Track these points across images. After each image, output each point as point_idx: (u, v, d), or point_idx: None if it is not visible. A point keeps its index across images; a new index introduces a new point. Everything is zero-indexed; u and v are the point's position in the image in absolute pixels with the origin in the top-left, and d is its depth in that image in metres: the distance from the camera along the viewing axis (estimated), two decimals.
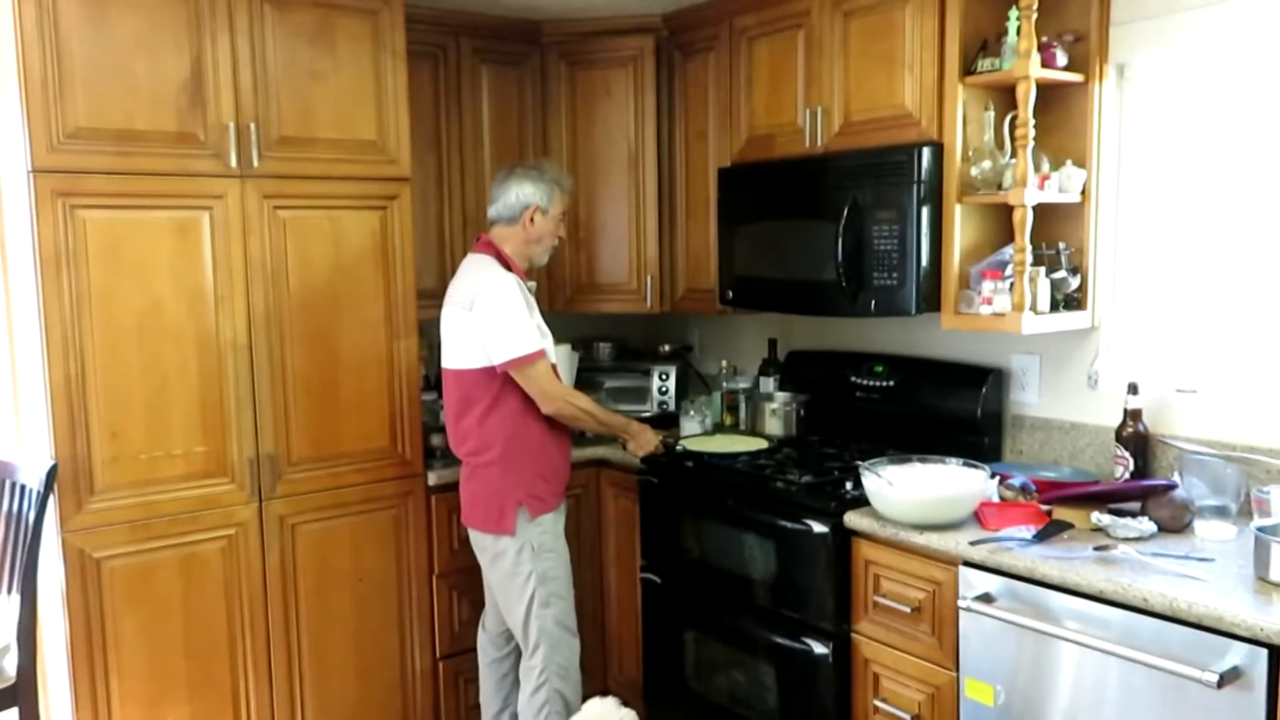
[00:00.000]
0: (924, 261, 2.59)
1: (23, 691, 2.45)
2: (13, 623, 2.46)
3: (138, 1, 2.51)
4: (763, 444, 3.10)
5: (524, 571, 2.73)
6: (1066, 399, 2.75)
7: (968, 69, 2.54)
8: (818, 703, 2.57)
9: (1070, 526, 2.24)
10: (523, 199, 2.76)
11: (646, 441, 2.98)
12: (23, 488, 2.53)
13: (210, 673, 2.74)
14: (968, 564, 2.22)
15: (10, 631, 2.47)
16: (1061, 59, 2.50)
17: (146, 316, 2.58)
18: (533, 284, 2.87)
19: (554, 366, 2.77)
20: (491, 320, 2.63)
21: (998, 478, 2.48)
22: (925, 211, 2.58)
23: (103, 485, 2.55)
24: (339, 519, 2.92)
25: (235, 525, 2.75)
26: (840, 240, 2.71)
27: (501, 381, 2.68)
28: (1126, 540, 2.14)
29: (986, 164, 2.55)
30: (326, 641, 2.92)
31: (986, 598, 2.17)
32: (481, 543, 2.79)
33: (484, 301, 2.64)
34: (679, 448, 3.05)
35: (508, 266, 2.74)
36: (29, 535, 2.44)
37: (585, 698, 2.90)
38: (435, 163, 3.30)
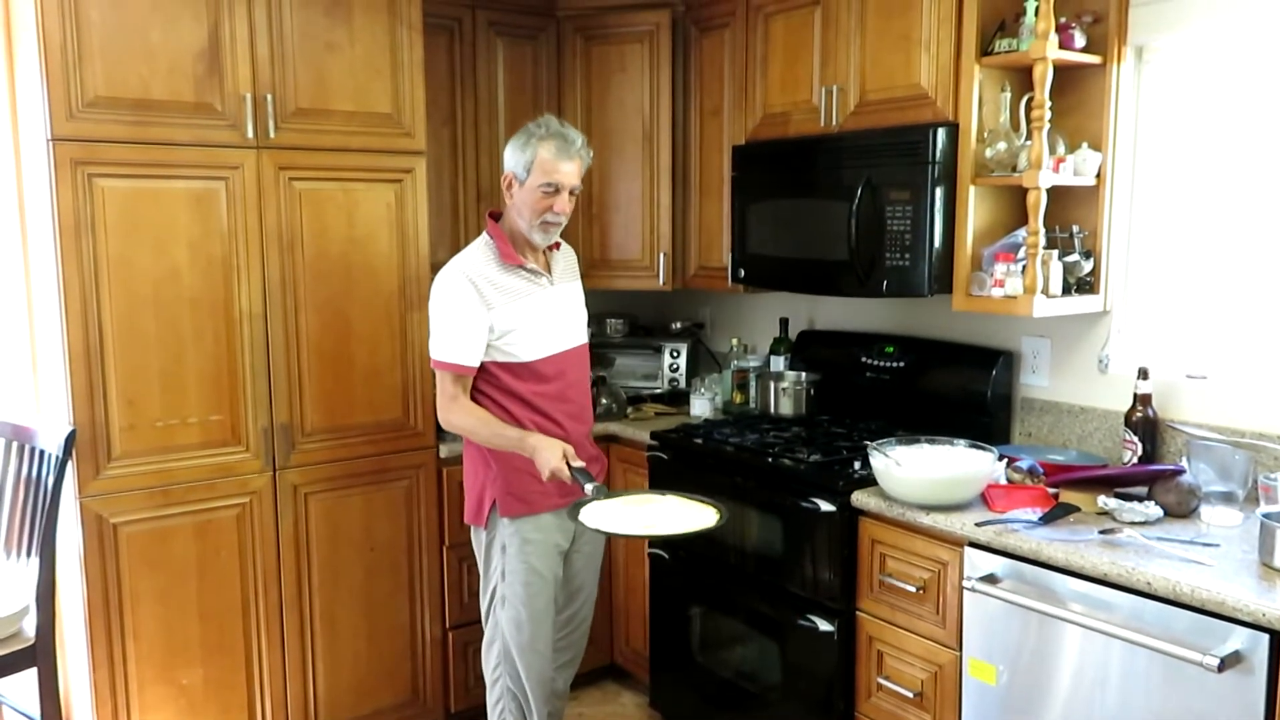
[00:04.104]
0: (936, 243, 2.59)
1: (41, 652, 2.50)
2: (32, 585, 2.50)
3: None
4: (708, 521, 2.32)
5: (491, 564, 2.63)
6: (1076, 382, 2.75)
7: (985, 49, 2.53)
8: (822, 679, 2.59)
9: (1076, 509, 2.25)
10: (505, 166, 2.52)
11: (543, 464, 2.38)
12: (42, 453, 2.57)
13: (224, 637, 2.78)
14: (973, 545, 2.23)
15: (30, 593, 2.51)
16: (1079, 40, 2.48)
17: (163, 285, 2.60)
18: (528, 265, 2.54)
19: (527, 364, 2.52)
20: (430, 315, 2.54)
21: (1005, 460, 2.49)
22: (939, 192, 2.57)
23: (120, 452, 2.58)
24: (351, 489, 2.96)
25: (250, 493, 2.78)
26: (853, 220, 2.71)
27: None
28: (1132, 524, 2.15)
29: (1001, 145, 2.55)
30: (338, 609, 2.97)
31: (991, 579, 2.19)
32: None
33: (431, 293, 2.55)
34: (592, 495, 2.35)
35: (507, 246, 2.52)
36: (48, 499, 2.48)
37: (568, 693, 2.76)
38: (450, 136, 3.31)
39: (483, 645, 2.75)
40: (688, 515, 2.36)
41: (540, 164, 2.44)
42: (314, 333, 2.84)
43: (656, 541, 3.11)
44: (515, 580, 2.58)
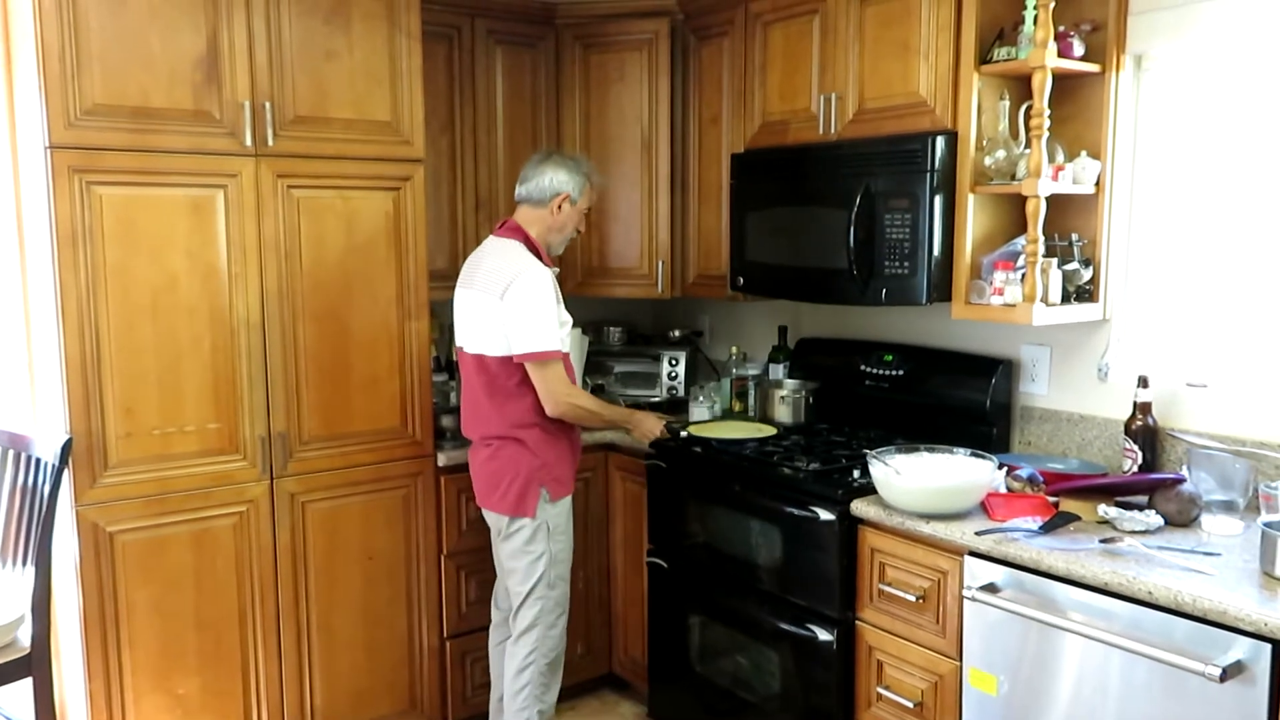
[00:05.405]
0: (935, 251, 2.59)
1: (37, 662, 2.49)
2: (28, 594, 2.49)
3: None
4: (770, 430, 3.10)
5: (536, 551, 2.77)
6: (1076, 391, 2.75)
7: (983, 58, 2.53)
8: (821, 688, 2.58)
9: (1077, 518, 2.24)
10: (555, 185, 2.80)
11: (650, 429, 2.99)
12: (38, 461, 2.56)
13: (221, 646, 2.77)
14: (973, 554, 2.22)
15: (25, 603, 2.50)
16: (1078, 49, 2.49)
17: (161, 293, 2.60)
18: (556, 269, 2.87)
19: (566, 356, 2.80)
20: (522, 311, 2.66)
21: (1005, 468, 2.48)
22: (938, 201, 2.57)
23: (116, 460, 2.57)
24: (349, 498, 2.95)
25: (247, 502, 2.77)
26: (852, 228, 2.71)
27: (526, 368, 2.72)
28: (1133, 533, 2.15)
29: (1000, 154, 2.55)
30: (335, 618, 2.95)
31: (991, 588, 2.18)
32: (498, 523, 2.82)
33: (517, 291, 2.67)
34: (684, 433, 3.06)
35: (537, 254, 2.77)
36: (44, 508, 2.47)
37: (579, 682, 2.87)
38: (449, 144, 3.30)
39: (514, 637, 2.82)
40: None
41: (589, 190, 2.91)
42: (312, 341, 2.83)
43: (654, 550, 3.10)
44: (562, 557, 2.86)
